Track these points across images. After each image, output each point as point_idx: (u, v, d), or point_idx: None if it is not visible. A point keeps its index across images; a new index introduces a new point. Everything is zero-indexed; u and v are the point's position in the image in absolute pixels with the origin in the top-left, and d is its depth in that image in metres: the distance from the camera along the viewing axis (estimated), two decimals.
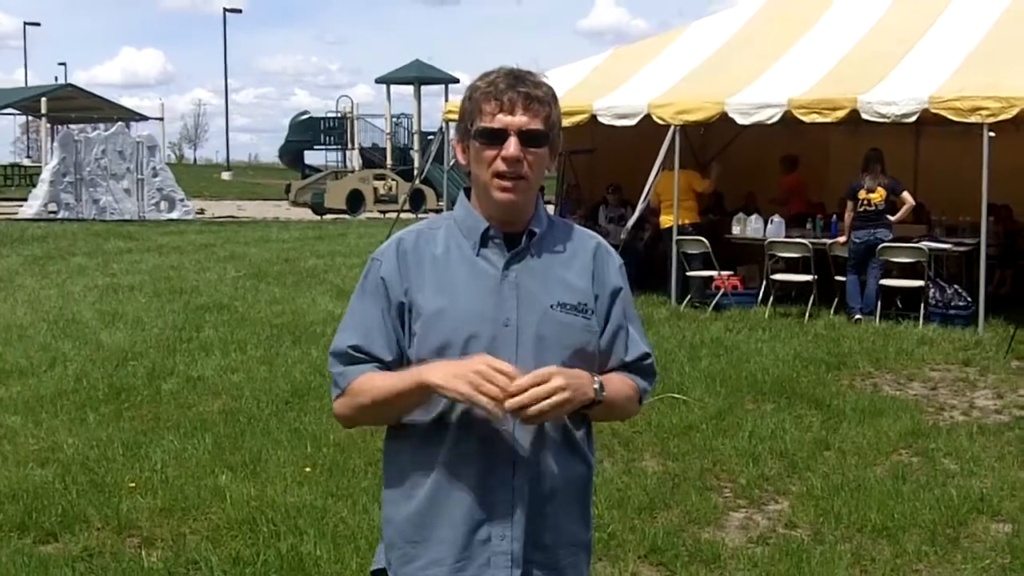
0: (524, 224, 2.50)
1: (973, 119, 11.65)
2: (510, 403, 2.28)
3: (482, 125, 2.43)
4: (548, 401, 2.29)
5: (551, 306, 2.45)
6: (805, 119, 12.75)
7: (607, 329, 2.55)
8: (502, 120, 2.41)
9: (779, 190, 15.70)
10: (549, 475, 2.47)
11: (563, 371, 2.35)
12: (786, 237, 13.71)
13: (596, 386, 2.43)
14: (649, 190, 13.54)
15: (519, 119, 2.41)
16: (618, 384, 2.54)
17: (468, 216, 2.52)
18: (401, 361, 2.50)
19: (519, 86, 2.43)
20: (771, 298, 13.07)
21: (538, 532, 2.48)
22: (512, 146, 2.40)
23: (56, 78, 74.15)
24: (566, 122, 13.88)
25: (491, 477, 2.44)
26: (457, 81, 43.54)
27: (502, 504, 2.44)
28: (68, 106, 43.62)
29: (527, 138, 2.42)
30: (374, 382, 2.47)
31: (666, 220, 14.00)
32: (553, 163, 2.54)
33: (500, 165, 2.42)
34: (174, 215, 29.19)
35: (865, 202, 12.53)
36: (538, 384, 2.29)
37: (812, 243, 13.18)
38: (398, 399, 2.43)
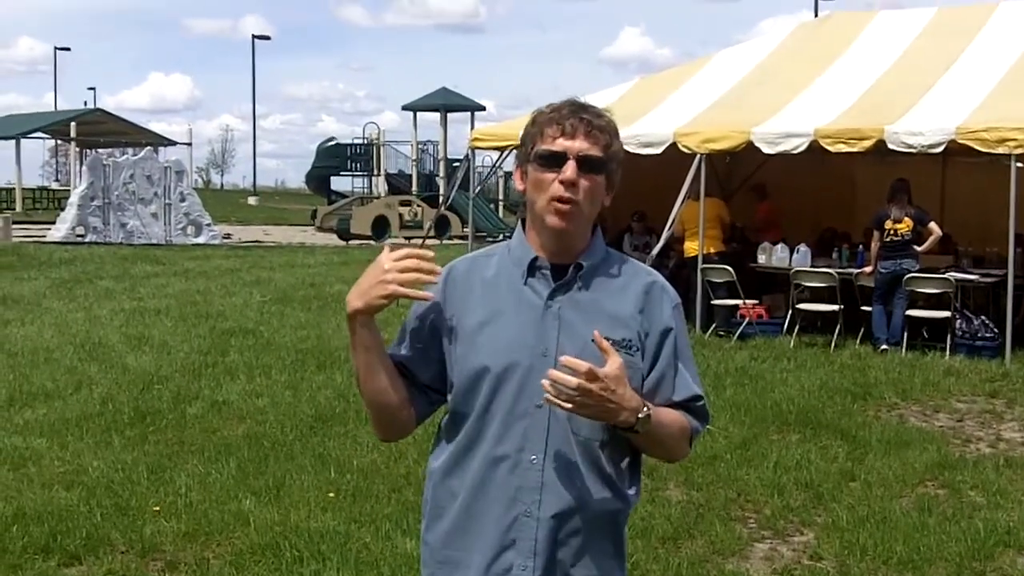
0: (575, 256, 2.51)
1: (1000, 150, 11.61)
2: (552, 373, 2.31)
3: (542, 148, 2.46)
4: (568, 397, 2.31)
5: (593, 340, 2.45)
6: (831, 149, 12.74)
7: (655, 369, 2.53)
8: (562, 144, 2.44)
9: (756, 218, 15.69)
10: (579, 507, 2.45)
11: (616, 382, 2.34)
12: (812, 267, 13.67)
13: (642, 415, 2.40)
14: (674, 218, 13.54)
15: (579, 144, 2.44)
16: (670, 418, 2.52)
17: (520, 246, 2.55)
18: (440, 382, 2.57)
19: (582, 113, 2.47)
20: (796, 327, 13.02)
21: (566, 566, 2.47)
22: (570, 169, 2.43)
23: (85, 103, 74.89)
24: None
25: (517, 506, 2.45)
26: (483, 108, 43.82)
27: (526, 533, 2.44)
28: (97, 130, 44.12)
29: (585, 163, 2.44)
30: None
31: (690, 248, 14.01)
32: (609, 197, 2.54)
33: (557, 188, 2.44)
34: (201, 240, 29.36)
35: (892, 232, 12.50)
36: (584, 377, 2.30)
37: (838, 273, 13.14)
38: (359, 361, 2.54)
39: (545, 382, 2.31)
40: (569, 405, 2.32)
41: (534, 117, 2.53)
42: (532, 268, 2.51)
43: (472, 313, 2.50)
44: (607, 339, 2.44)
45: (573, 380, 2.29)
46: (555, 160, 2.44)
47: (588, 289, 2.51)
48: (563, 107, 2.49)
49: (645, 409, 2.41)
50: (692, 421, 2.58)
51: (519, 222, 2.60)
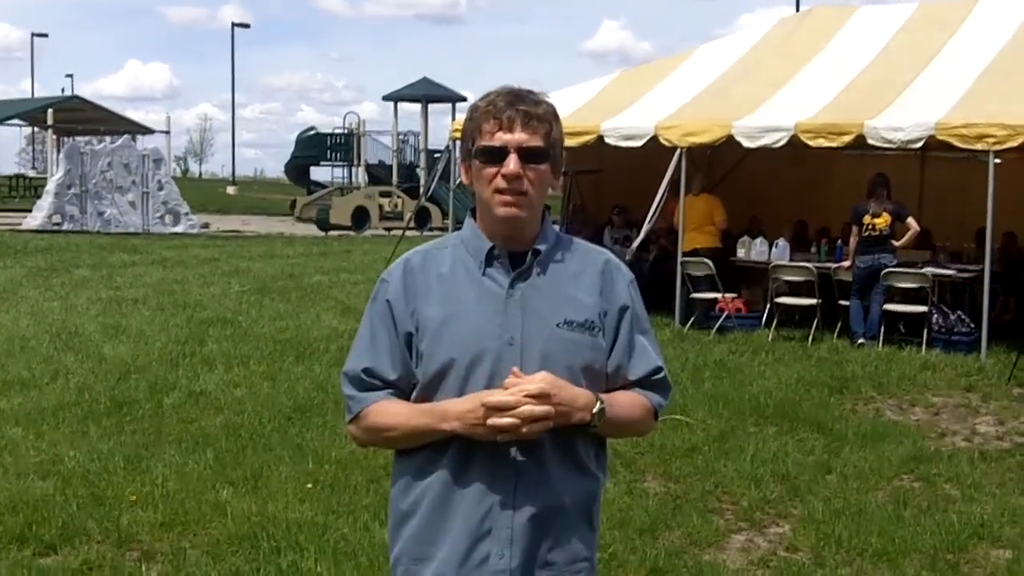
0: (529, 242, 2.52)
1: (979, 146, 11.67)
2: (492, 424, 2.36)
3: (482, 144, 2.46)
4: (526, 430, 2.36)
5: (557, 324, 2.47)
6: (811, 143, 12.77)
7: (616, 345, 2.56)
8: (501, 138, 2.44)
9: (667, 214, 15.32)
10: (553, 493, 2.48)
11: (561, 389, 2.38)
12: (791, 261, 13.71)
13: (596, 410, 2.44)
14: (655, 211, 13.55)
15: (518, 136, 2.44)
16: (626, 402, 2.55)
17: (474, 236, 2.55)
18: (408, 381, 2.53)
19: (518, 104, 2.46)
20: (775, 321, 13.06)
21: (542, 550, 2.49)
22: (512, 163, 2.43)
23: (63, 90, 74.23)
24: (573, 142, 14.06)
25: (491, 495, 2.46)
26: (464, 99, 43.63)
27: (502, 522, 2.46)
28: (74, 118, 43.72)
29: (527, 155, 2.44)
30: (389, 416, 2.51)
31: (688, 242, 13.86)
32: (557, 181, 2.55)
33: (500, 182, 2.44)
34: (179, 229, 29.24)
35: (870, 227, 12.54)
36: (527, 402, 2.35)
37: (816, 267, 13.18)
38: (414, 437, 2.50)
39: (501, 422, 2.35)
40: (539, 428, 2.37)
41: (471, 112, 2.53)
42: (489, 258, 2.51)
43: (433, 308, 2.50)
44: (571, 322, 2.49)
45: (540, 409, 2.35)
46: (496, 155, 2.44)
47: (546, 274, 2.53)
48: (498, 99, 2.48)
49: (599, 403, 2.44)
50: (653, 397, 2.62)
51: (468, 212, 2.60)
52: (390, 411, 2.51)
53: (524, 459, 2.45)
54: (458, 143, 2.54)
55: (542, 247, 2.52)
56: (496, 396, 2.36)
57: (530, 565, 2.48)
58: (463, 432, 2.41)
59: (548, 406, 2.36)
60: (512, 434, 2.36)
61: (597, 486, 2.59)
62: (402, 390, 2.54)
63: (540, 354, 2.44)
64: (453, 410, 2.42)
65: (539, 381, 2.37)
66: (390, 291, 2.56)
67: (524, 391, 2.35)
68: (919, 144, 12.22)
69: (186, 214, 30.10)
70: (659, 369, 2.62)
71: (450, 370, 2.46)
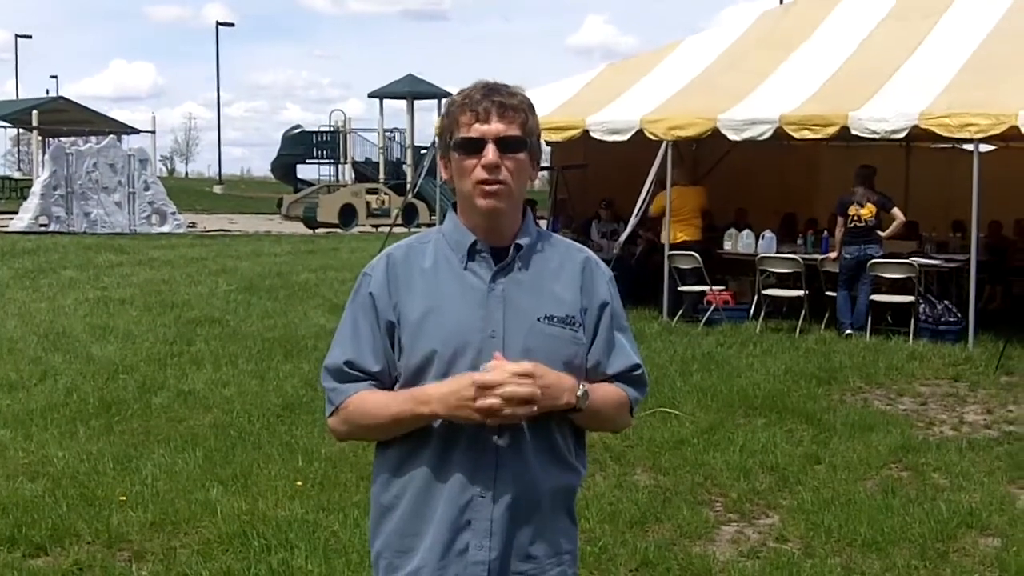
0: (511, 237, 2.53)
1: (963, 135, 11.71)
2: (480, 405, 2.35)
3: (460, 136, 2.48)
4: (511, 411, 2.36)
5: (538, 319, 2.49)
6: (796, 135, 12.80)
7: (596, 342, 2.58)
8: (479, 129, 2.46)
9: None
10: (534, 486, 2.50)
11: (544, 372, 2.40)
12: (777, 253, 13.75)
13: (580, 393, 2.46)
14: (643, 205, 13.56)
15: (495, 127, 2.45)
16: (606, 393, 2.57)
17: (456, 230, 2.56)
18: (389, 373, 2.54)
19: (493, 95, 2.48)
20: (762, 313, 13.10)
21: (523, 543, 2.50)
22: (490, 153, 2.44)
23: (47, 91, 73.73)
24: (558, 137, 14.11)
25: (471, 487, 2.47)
26: (450, 95, 43.33)
27: (481, 514, 2.47)
28: (59, 119, 43.58)
29: (505, 145, 2.46)
30: (370, 405, 2.52)
31: (674, 235, 13.85)
32: (535, 172, 2.57)
33: (480, 173, 2.45)
34: (165, 229, 29.16)
35: (856, 218, 12.59)
36: (513, 381, 2.35)
37: (803, 258, 13.22)
38: (395, 425, 2.50)
39: (488, 402, 2.35)
40: (524, 411, 2.37)
41: (448, 106, 2.55)
42: (472, 252, 2.52)
43: (415, 302, 2.51)
44: (552, 316, 2.50)
45: (525, 389, 2.35)
46: (474, 146, 2.46)
47: (528, 269, 2.54)
48: (474, 92, 2.50)
49: (582, 386, 2.47)
50: (630, 391, 2.64)
51: (450, 207, 2.61)
52: (371, 400, 2.52)
53: (505, 451, 2.46)
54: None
55: (524, 241, 2.54)
56: (482, 375, 2.37)
57: (508, 557, 2.49)
58: (444, 414, 2.41)
59: (533, 388, 2.36)
60: (497, 416, 2.36)
61: (576, 480, 2.61)
62: (383, 383, 2.55)
63: (522, 348, 2.46)
64: (434, 393, 2.42)
65: (523, 363, 2.39)
66: (373, 284, 2.56)
67: (509, 370, 2.36)
68: (903, 134, 12.26)
69: (173, 214, 30.02)
70: (637, 366, 2.64)
71: (432, 362, 2.47)
